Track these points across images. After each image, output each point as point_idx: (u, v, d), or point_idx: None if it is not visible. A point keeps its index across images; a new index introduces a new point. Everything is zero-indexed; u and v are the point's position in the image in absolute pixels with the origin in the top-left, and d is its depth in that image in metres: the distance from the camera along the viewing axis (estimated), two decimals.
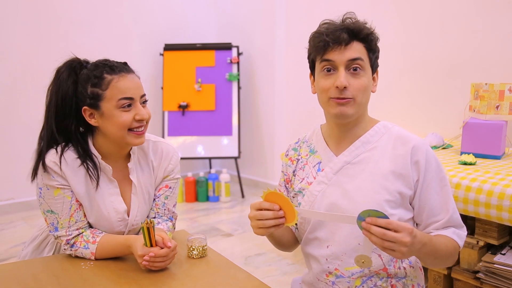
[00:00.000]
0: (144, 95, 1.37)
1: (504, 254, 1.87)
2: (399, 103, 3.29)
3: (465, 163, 2.06)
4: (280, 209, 1.06)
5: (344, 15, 1.18)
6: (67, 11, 3.89)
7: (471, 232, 2.02)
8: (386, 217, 0.96)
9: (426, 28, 3.09)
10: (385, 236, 0.95)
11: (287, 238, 1.34)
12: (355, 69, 1.13)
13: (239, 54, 4.27)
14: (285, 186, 1.35)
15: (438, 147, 2.51)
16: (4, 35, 3.63)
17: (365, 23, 1.18)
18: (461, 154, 2.20)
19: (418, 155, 1.15)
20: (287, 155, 1.35)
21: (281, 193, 1.08)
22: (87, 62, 1.38)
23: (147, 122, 1.38)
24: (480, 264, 1.87)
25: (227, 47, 4.26)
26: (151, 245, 1.25)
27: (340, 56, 1.13)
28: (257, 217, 1.07)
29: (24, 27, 3.70)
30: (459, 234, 1.18)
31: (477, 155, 2.19)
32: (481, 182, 1.81)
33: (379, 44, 1.21)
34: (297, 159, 1.31)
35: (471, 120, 2.23)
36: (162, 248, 1.24)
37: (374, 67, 1.19)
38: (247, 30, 4.48)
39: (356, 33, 1.14)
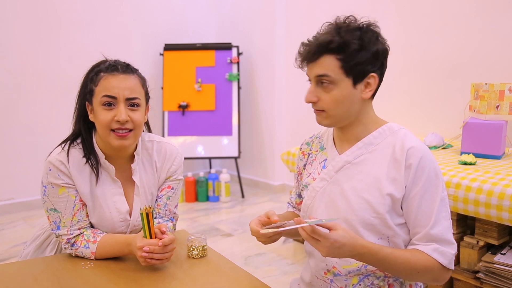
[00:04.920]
0: (133, 98, 1.33)
1: (504, 254, 1.87)
2: (399, 103, 3.29)
3: (465, 163, 2.06)
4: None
5: (335, 19, 1.16)
6: (67, 11, 3.88)
7: (471, 232, 2.02)
8: None
9: (426, 28, 3.09)
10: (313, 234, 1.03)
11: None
12: (323, 83, 1.14)
13: (239, 54, 4.27)
14: (297, 178, 1.39)
15: (438, 147, 2.51)
16: (4, 35, 3.63)
17: (348, 25, 1.12)
18: (461, 154, 2.20)
19: (411, 159, 1.11)
20: (301, 148, 1.38)
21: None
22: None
23: (136, 128, 1.34)
24: (480, 264, 1.87)
25: (227, 47, 4.26)
26: (151, 237, 1.25)
27: (310, 71, 1.16)
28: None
29: (24, 27, 3.70)
30: (442, 252, 1.10)
31: (477, 155, 2.19)
32: (481, 182, 1.81)
33: None
34: (308, 153, 1.34)
35: (471, 120, 2.23)
36: (161, 239, 1.24)
37: (357, 74, 1.12)
38: (247, 30, 4.48)
39: (324, 45, 1.11)
